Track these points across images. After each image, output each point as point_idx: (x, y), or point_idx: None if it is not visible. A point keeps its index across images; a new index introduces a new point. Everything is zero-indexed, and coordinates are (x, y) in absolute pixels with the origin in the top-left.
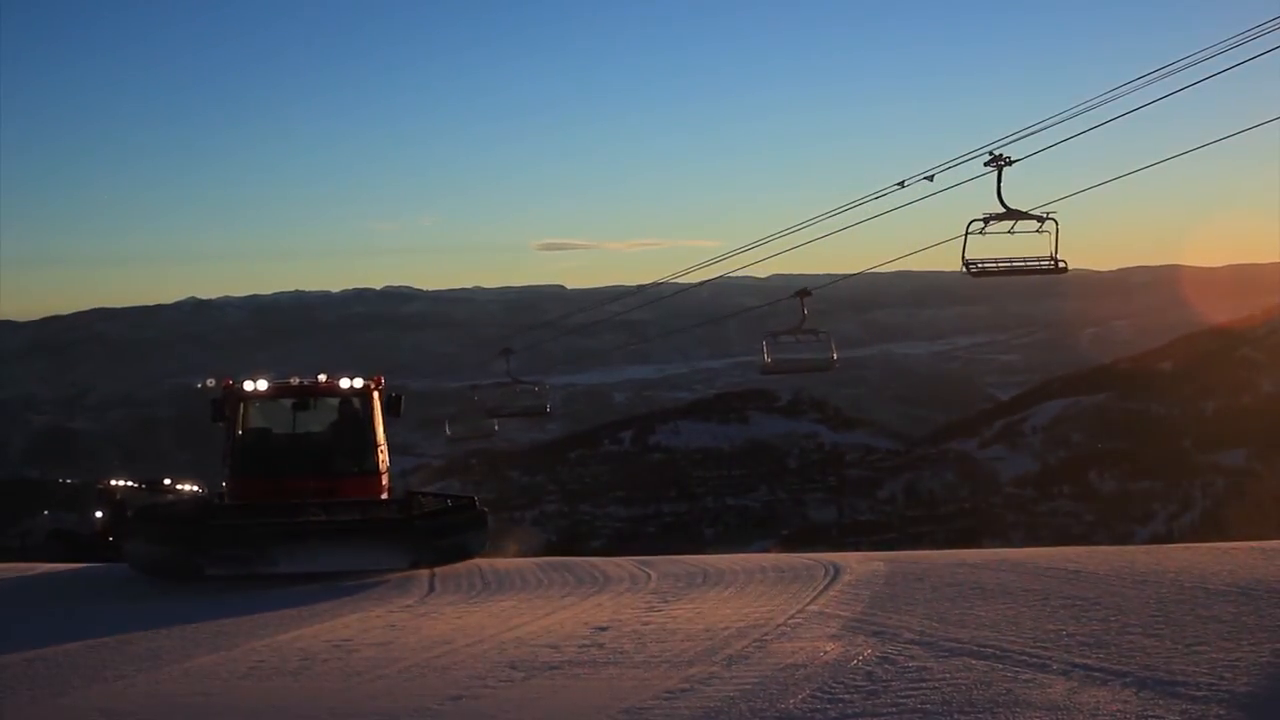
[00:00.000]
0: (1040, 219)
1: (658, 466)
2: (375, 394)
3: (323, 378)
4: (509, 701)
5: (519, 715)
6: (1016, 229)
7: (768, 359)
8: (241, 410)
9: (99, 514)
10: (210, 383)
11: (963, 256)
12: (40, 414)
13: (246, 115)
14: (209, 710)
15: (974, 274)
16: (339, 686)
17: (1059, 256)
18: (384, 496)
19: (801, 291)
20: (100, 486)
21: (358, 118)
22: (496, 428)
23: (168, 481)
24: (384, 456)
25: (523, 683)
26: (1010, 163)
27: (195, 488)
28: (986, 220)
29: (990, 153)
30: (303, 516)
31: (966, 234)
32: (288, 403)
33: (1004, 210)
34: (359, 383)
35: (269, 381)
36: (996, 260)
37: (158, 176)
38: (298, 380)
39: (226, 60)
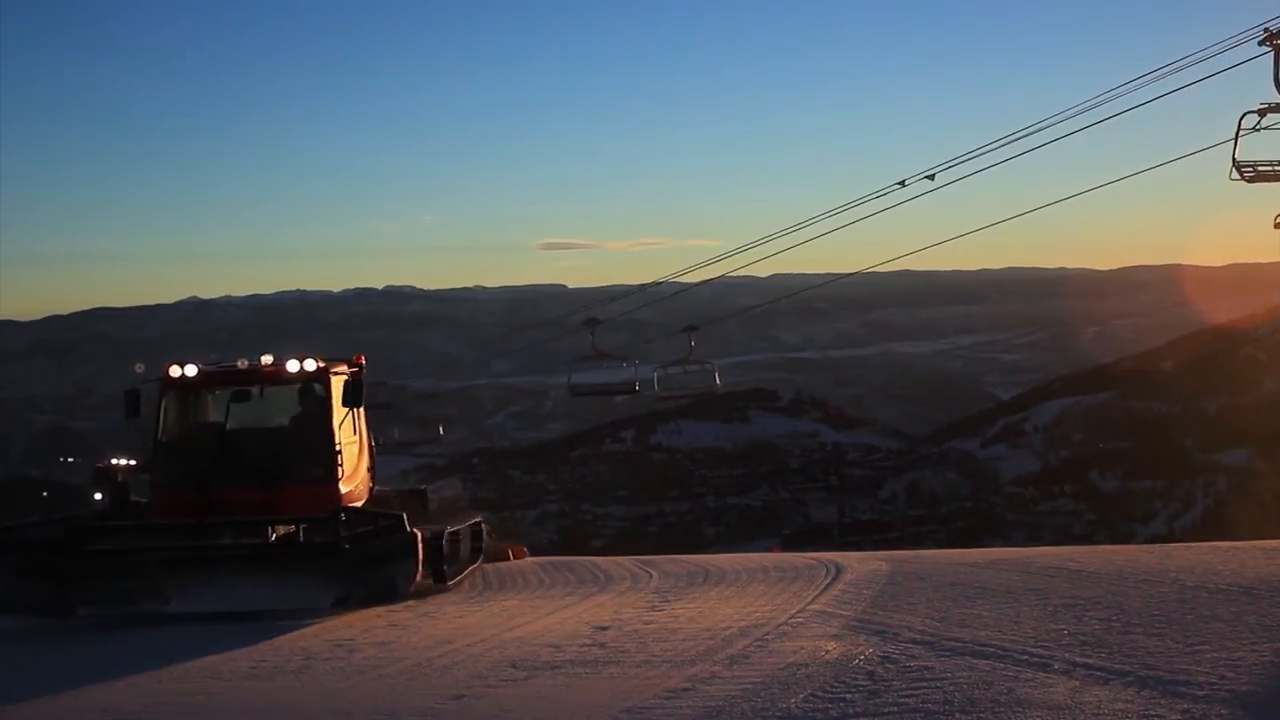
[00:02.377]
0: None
1: (659, 466)
2: (335, 381)
3: (267, 360)
4: (510, 701)
5: (520, 715)
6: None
7: (658, 389)
8: (165, 404)
9: (98, 496)
10: (140, 368)
11: (1233, 157)
12: (41, 414)
13: (247, 114)
14: (211, 709)
15: (1248, 178)
16: (340, 686)
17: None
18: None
19: (688, 328)
20: (100, 466)
21: (359, 117)
22: (442, 431)
23: None
24: (356, 459)
25: (524, 682)
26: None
27: None
28: (1263, 113)
29: (1266, 29)
30: (210, 540)
31: (1239, 131)
32: (226, 394)
33: None
34: (310, 366)
35: (200, 366)
36: (1274, 163)
37: (158, 176)
38: (244, 363)
39: (227, 59)
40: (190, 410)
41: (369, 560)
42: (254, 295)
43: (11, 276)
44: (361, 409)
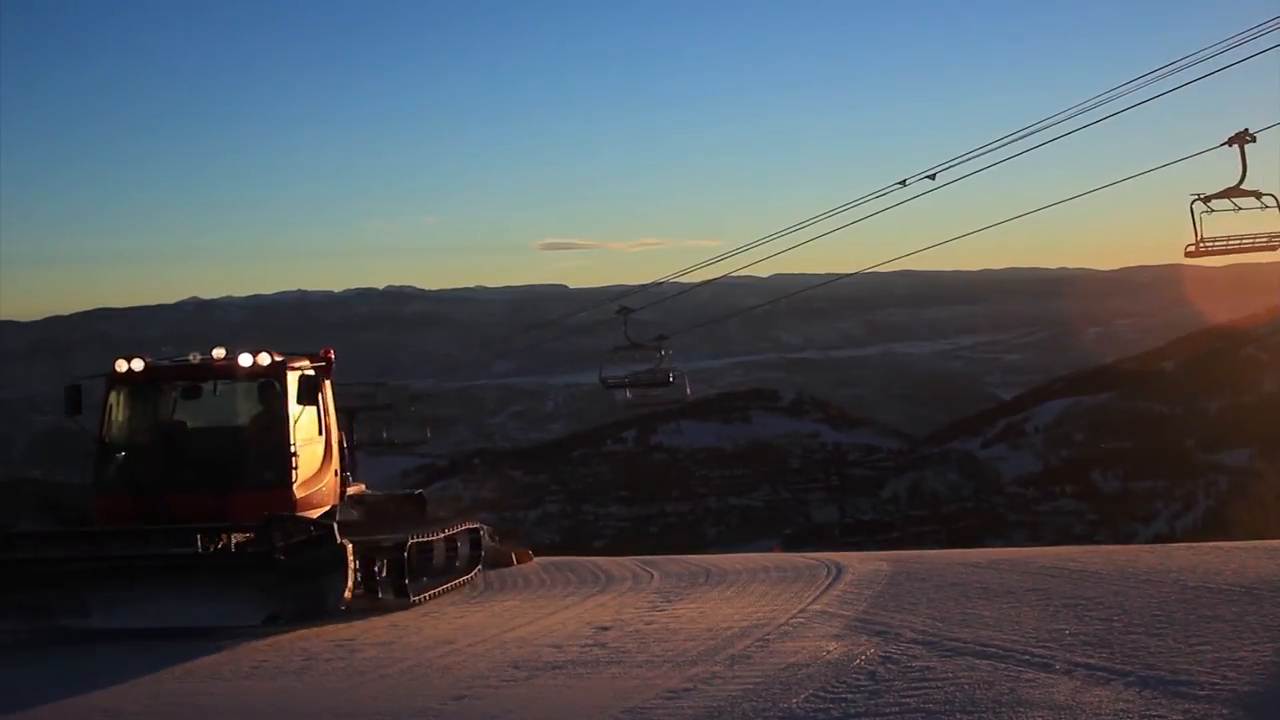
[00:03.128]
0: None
1: (660, 466)
2: (292, 377)
3: (219, 354)
4: (511, 701)
5: (521, 715)
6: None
7: (629, 395)
8: (110, 401)
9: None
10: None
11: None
12: (43, 414)
13: (247, 114)
14: (212, 709)
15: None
16: (342, 686)
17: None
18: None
19: (659, 337)
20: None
21: (359, 117)
22: (429, 435)
23: None
24: (319, 461)
25: (525, 682)
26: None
27: None
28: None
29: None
30: (144, 549)
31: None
32: (177, 391)
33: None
34: (265, 360)
35: (149, 360)
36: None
37: (158, 176)
38: (197, 358)
39: (227, 59)
40: (138, 409)
41: (299, 573)
42: (254, 295)
43: (12, 277)
44: (329, 407)
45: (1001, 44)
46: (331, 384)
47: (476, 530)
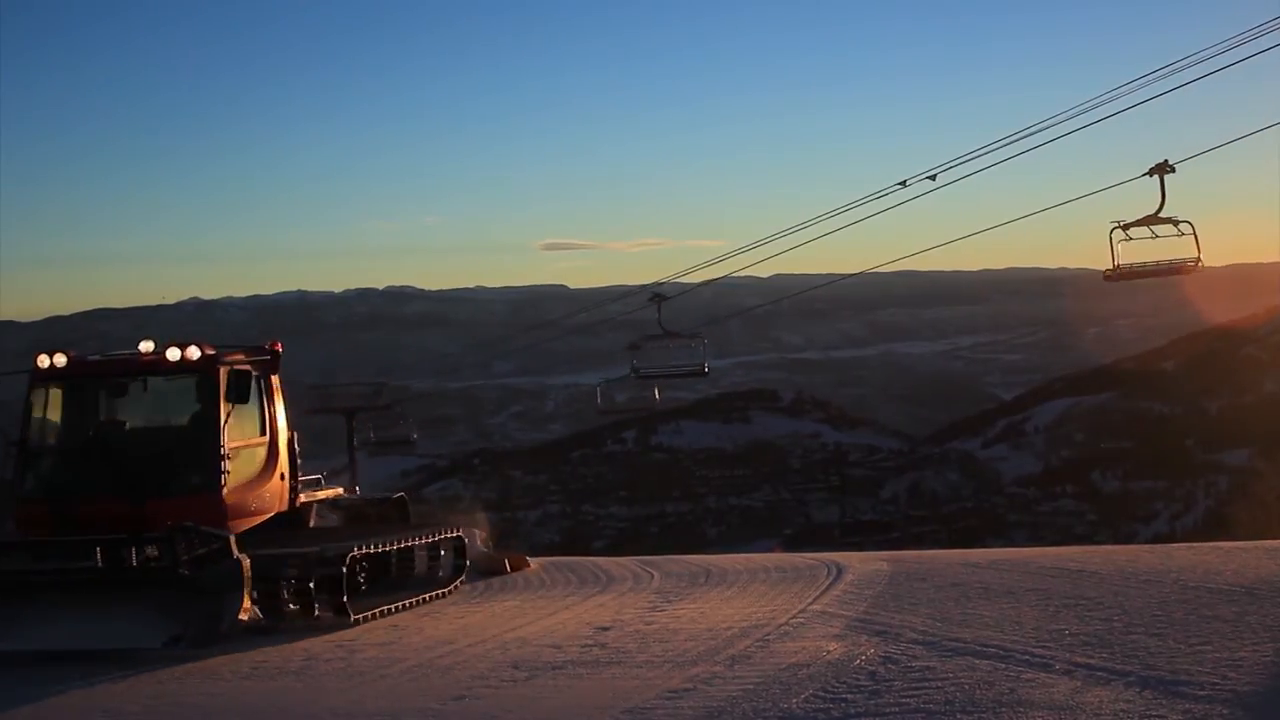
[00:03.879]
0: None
1: (660, 466)
2: (223, 373)
3: (146, 347)
4: (512, 701)
5: (522, 715)
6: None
7: (599, 404)
8: (32, 399)
9: None
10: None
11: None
12: None
13: (247, 114)
14: (212, 709)
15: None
16: (342, 686)
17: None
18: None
19: (631, 345)
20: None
21: (359, 117)
22: (415, 436)
23: None
24: (259, 465)
25: (525, 682)
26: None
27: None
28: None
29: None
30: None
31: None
32: (103, 389)
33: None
34: (194, 354)
35: (72, 355)
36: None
37: (158, 176)
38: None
39: (227, 59)
40: (62, 408)
41: (198, 590)
42: (255, 296)
43: (12, 277)
44: (277, 405)
45: (1002, 44)
46: (280, 380)
47: (458, 537)
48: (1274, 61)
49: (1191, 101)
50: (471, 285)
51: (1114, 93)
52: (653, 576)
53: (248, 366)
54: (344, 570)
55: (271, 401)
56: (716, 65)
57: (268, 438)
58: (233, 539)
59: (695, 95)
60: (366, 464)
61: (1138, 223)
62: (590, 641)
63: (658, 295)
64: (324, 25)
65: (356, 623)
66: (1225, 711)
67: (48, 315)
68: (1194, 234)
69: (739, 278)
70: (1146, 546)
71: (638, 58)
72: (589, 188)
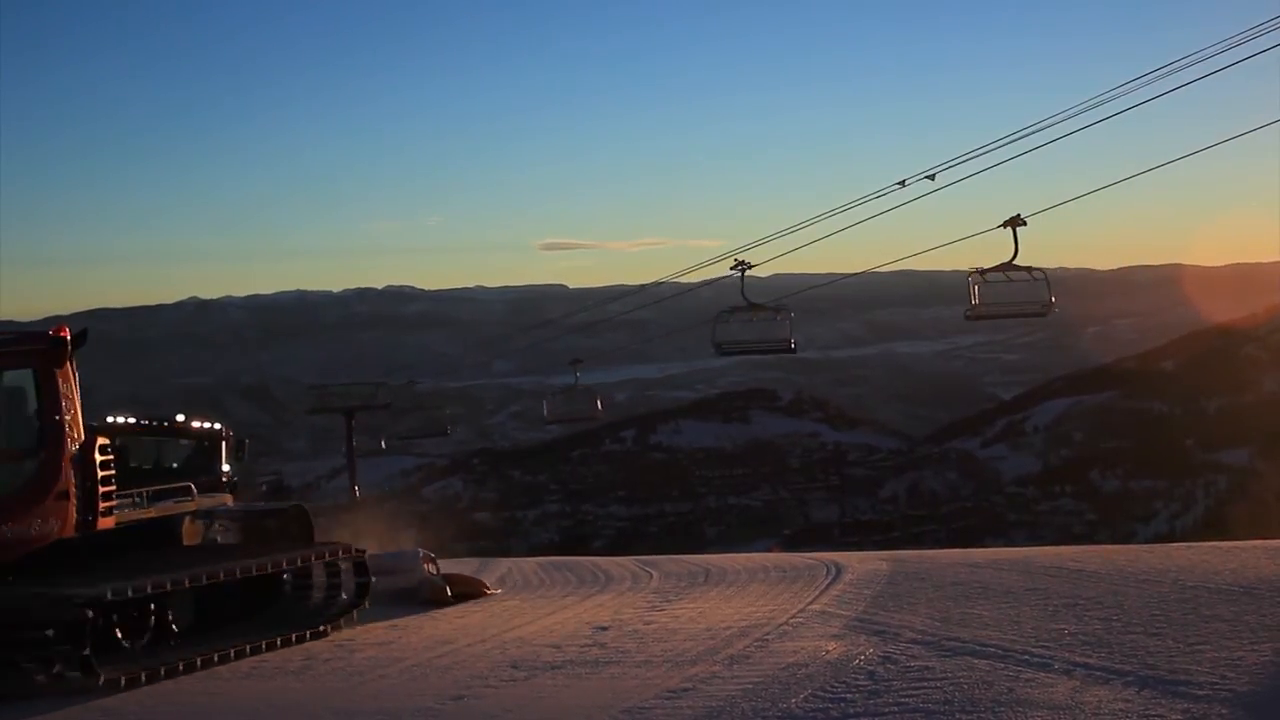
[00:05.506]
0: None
1: (660, 466)
2: None
3: None
4: (511, 701)
5: (521, 715)
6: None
7: (547, 414)
8: None
9: None
10: None
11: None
12: None
13: (247, 114)
14: (213, 709)
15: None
16: (342, 686)
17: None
18: None
19: (574, 361)
20: (94, 425)
21: (359, 117)
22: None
23: (180, 419)
24: (25, 479)
25: (525, 682)
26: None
27: (216, 425)
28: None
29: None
30: None
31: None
32: None
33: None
34: None
35: None
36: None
37: (158, 176)
38: None
39: (227, 59)
40: None
41: None
42: (254, 296)
43: (12, 276)
44: (60, 408)
45: (1002, 43)
46: (73, 375)
47: (362, 552)
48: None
49: (1192, 101)
50: (471, 285)
51: (1113, 92)
52: (652, 576)
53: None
54: (90, 617)
55: (54, 404)
56: (716, 65)
57: (45, 450)
58: None
59: (695, 95)
60: (365, 464)
61: (994, 269)
62: (589, 641)
63: (742, 263)
64: (324, 25)
65: (115, 684)
66: (1224, 711)
67: (48, 315)
68: (1046, 281)
69: (739, 277)
70: (1145, 546)
71: (637, 58)
72: (589, 187)
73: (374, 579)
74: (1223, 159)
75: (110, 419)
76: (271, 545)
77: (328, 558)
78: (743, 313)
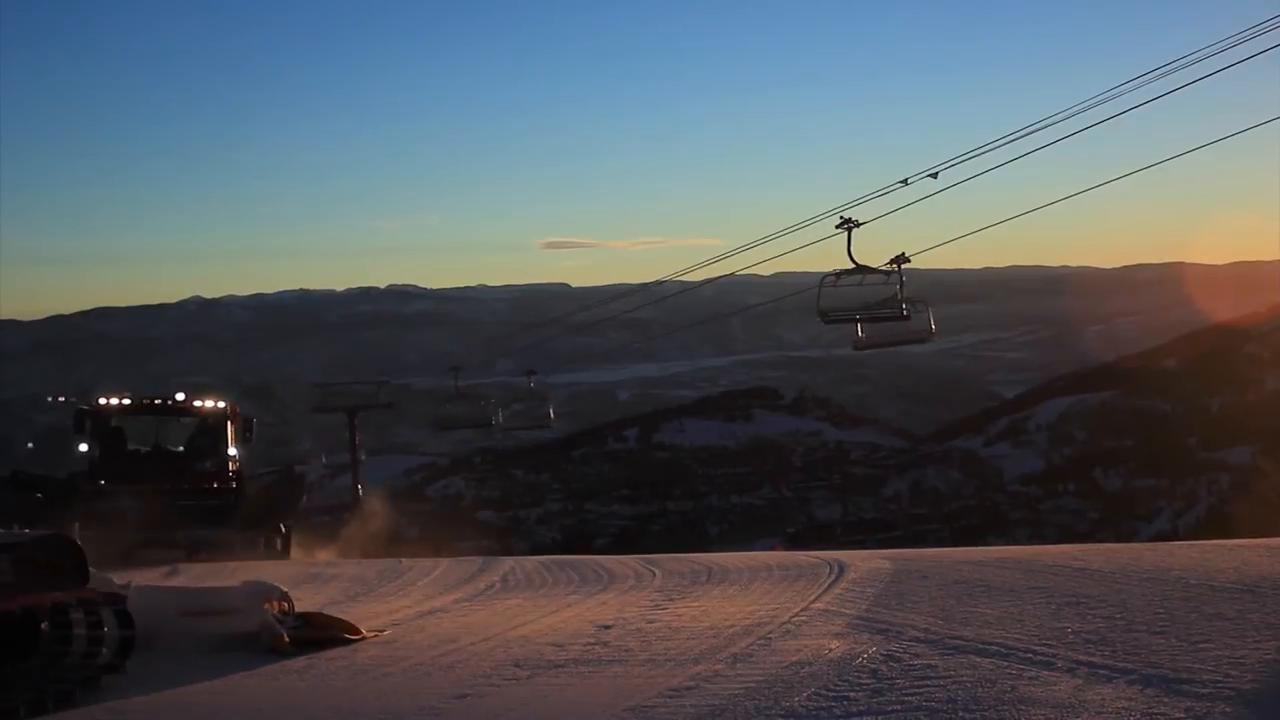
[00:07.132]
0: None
1: (662, 464)
2: None
3: None
4: (514, 700)
5: (524, 713)
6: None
7: (502, 422)
8: None
9: (84, 447)
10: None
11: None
12: (44, 414)
13: (249, 113)
14: (214, 709)
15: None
16: (343, 684)
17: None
18: None
19: (529, 371)
20: (85, 408)
21: (361, 116)
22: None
23: (180, 397)
24: None
25: (528, 681)
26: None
27: (222, 404)
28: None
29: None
30: None
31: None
32: None
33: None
34: None
35: None
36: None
37: (159, 175)
38: None
39: (228, 59)
40: None
41: None
42: (257, 295)
43: (13, 276)
44: None
45: (1003, 43)
46: None
47: (124, 589)
48: (1275, 59)
49: (1192, 100)
50: (473, 284)
51: (1113, 92)
52: (654, 575)
53: None
54: None
55: None
56: (716, 65)
57: None
58: None
59: (696, 94)
60: (369, 464)
61: (849, 272)
62: (592, 640)
63: (848, 221)
64: (325, 25)
65: None
66: (1227, 709)
67: (48, 315)
68: (928, 314)
69: (740, 276)
70: (1148, 545)
71: (638, 57)
72: (590, 186)
73: (197, 619)
74: (1224, 157)
75: (103, 400)
76: (41, 581)
77: (74, 600)
78: (849, 276)
